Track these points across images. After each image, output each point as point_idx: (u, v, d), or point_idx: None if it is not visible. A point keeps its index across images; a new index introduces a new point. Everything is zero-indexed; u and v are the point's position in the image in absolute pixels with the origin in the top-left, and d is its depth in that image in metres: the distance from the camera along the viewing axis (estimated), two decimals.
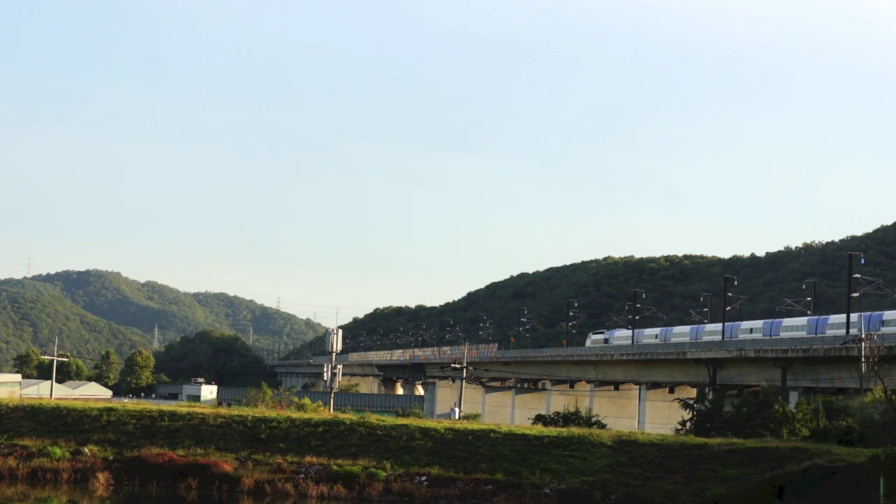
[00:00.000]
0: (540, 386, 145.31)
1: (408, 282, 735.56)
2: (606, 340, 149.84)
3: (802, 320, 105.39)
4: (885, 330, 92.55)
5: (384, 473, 57.37)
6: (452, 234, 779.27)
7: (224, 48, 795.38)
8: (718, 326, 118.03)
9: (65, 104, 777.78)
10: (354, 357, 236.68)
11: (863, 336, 73.16)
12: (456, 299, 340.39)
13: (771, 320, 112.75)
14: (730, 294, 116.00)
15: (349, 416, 68.80)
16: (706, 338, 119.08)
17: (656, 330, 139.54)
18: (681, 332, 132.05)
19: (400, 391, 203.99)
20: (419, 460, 58.78)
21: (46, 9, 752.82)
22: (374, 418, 67.26)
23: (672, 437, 64.25)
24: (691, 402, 79.72)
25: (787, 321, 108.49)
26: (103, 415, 65.39)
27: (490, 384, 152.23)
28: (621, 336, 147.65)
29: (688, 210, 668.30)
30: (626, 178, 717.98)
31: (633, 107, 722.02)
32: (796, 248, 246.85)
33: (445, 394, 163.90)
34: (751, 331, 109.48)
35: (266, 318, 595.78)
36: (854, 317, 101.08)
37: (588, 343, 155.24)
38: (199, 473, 58.15)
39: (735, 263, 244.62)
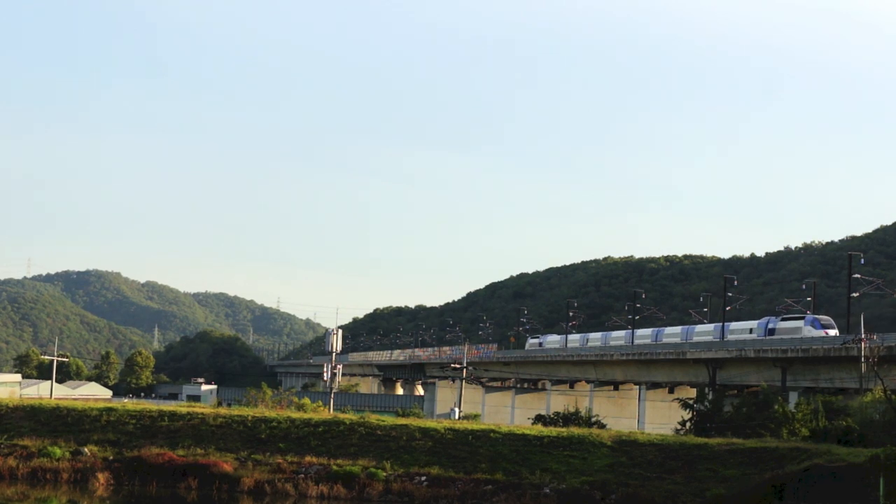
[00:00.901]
0: (540, 386, 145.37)
1: (408, 282, 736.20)
2: (541, 344, 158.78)
3: (752, 323, 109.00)
4: (730, 337, 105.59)
5: (384, 473, 57.37)
6: (452, 234, 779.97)
7: (224, 49, 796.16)
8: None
9: (65, 104, 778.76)
10: (354, 357, 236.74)
11: (862, 336, 73.22)
12: (456, 299, 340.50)
13: (719, 324, 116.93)
14: (730, 294, 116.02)
15: (349, 416, 68.83)
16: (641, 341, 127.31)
17: (598, 334, 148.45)
18: (617, 337, 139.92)
19: (400, 391, 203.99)
20: (419, 460, 58.79)
21: (46, 9, 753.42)
22: (373, 418, 67.27)
23: (672, 437, 64.26)
24: (691, 402, 79.71)
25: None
26: (103, 415, 65.41)
27: (490, 384, 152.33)
28: (552, 340, 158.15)
29: (688, 210, 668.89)
30: (626, 178, 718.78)
31: (633, 107, 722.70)
32: (796, 248, 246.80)
33: (445, 394, 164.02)
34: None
35: (266, 318, 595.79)
36: (710, 326, 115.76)
37: (526, 347, 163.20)
38: (199, 473, 58.16)
39: (735, 263, 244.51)
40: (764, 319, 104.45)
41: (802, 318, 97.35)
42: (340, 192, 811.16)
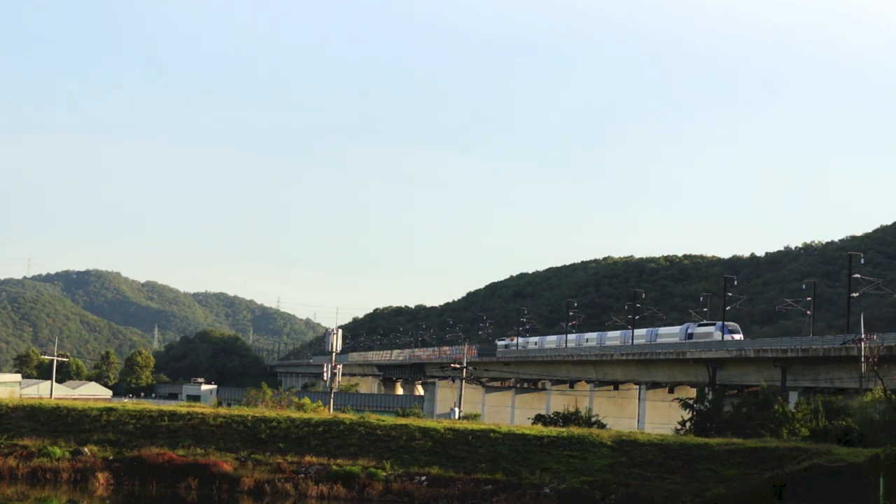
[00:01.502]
0: (540, 386, 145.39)
1: (408, 282, 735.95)
2: (506, 346, 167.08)
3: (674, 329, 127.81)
4: (659, 340, 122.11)
5: (384, 473, 57.36)
6: (452, 234, 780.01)
7: (223, 48, 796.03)
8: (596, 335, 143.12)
9: (65, 104, 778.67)
10: (354, 357, 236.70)
11: (862, 336, 73.21)
12: (456, 299, 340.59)
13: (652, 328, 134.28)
14: (730, 294, 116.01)
15: (349, 416, 68.81)
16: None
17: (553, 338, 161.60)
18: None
19: (400, 391, 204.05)
20: (419, 460, 58.77)
21: (46, 9, 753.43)
22: (373, 418, 67.26)
23: (672, 437, 64.24)
24: (691, 402, 79.68)
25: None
26: (103, 415, 65.39)
27: (490, 384, 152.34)
28: (521, 342, 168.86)
29: (688, 210, 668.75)
30: (626, 178, 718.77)
31: (633, 107, 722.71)
32: (796, 248, 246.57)
33: (445, 394, 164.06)
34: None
35: (266, 318, 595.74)
36: (643, 331, 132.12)
37: (498, 351, 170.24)
38: (199, 473, 58.13)
39: (735, 263, 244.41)
40: (685, 325, 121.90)
41: (714, 324, 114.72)
42: (340, 192, 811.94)
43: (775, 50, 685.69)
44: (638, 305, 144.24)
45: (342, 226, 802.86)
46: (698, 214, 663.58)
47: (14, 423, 64.58)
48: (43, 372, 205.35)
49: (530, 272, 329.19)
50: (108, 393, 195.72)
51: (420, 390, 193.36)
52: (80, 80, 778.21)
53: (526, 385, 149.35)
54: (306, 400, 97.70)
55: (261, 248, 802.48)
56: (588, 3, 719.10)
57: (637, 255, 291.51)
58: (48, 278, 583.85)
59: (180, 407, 71.50)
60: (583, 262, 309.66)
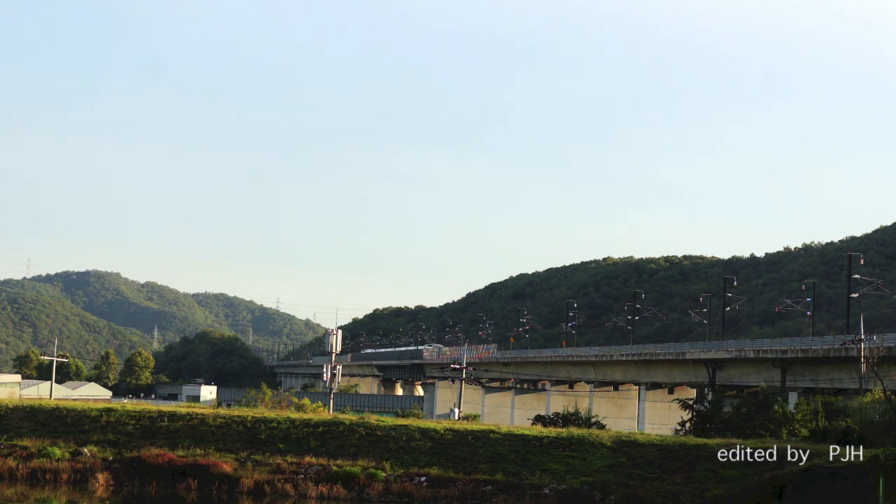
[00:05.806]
0: (539, 386, 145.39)
1: (407, 282, 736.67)
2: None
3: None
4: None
5: (384, 474, 57.31)
6: (452, 235, 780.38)
7: (223, 48, 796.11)
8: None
9: (65, 104, 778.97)
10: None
11: (862, 336, 73.26)
12: (456, 300, 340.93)
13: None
14: (729, 295, 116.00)
15: (349, 417, 68.76)
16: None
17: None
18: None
19: (399, 392, 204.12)
20: (419, 461, 58.72)
21: (46, 9, 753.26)
22: (373, 419, 67.18)
23: (671, 438, 64.19)
24: (691, 402, 79.63)
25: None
26: (103, 415, 65.34)
27: (490, 385, 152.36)
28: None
29: (688, 210, 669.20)
30: (626, 178, 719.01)
31: (633, 107, 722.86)
32: (796, 248, 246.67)
33: (445, 394, 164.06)
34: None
35: (266, 319, 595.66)
36: (405, 348, 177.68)
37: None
38: (199, 474, 58.09)
39: (734, 264, 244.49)
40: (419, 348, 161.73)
41: (436, 345, 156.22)
42: (340, 192, 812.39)
43: (775, 50, 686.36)
44: (638, 306, 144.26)
45: (342, 226, 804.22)
46: (698, 215, 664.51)
47: (14, 424, 64.54)
48: (43, 372, 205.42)
49: (530, 273, 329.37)
50: (107, 393, 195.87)
51: (420, 391, 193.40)
52: (79, 79, 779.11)
53: (525, 386, 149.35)
54: (306, 401, 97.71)
55: (261, 248, 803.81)
56: (587, 3, 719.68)
57: (637, 256, 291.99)
58: (48, 279, 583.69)
59: (180, 407, 71.46)
60: (582, 263, 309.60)
